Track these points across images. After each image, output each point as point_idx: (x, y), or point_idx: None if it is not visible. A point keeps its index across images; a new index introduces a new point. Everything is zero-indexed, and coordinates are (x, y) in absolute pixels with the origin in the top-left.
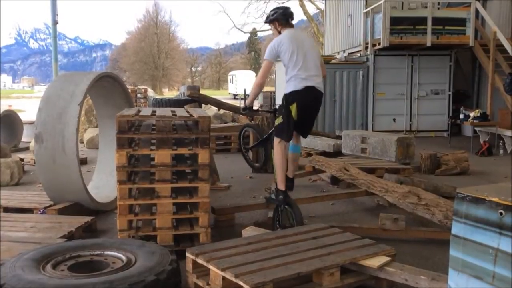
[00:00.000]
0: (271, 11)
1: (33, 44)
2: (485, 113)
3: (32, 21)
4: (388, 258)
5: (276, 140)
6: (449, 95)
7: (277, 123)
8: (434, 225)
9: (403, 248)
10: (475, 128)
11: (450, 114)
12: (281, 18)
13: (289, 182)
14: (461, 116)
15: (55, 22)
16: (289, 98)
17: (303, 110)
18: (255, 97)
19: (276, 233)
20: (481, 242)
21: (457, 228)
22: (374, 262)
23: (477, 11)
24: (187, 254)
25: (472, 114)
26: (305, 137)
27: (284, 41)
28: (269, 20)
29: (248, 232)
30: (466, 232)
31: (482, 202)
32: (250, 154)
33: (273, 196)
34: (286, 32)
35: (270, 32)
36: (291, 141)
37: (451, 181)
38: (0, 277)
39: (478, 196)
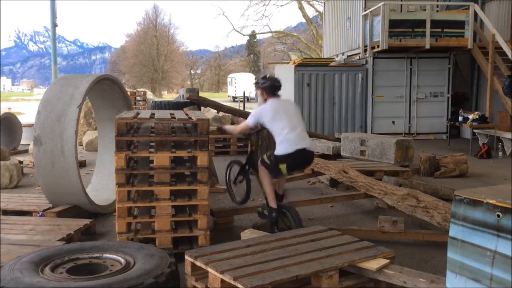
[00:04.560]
0: (261, 78)
1: (32, 47)
2: (484, 116)
3: (31, 24)
4: (387, 261)
5: (263, 170)
6: (448, 97)
7: (265, 160)
8: (433, 227)
9: (402, 250)
10: (474, 131)
11: (449, 117)
12: (268, 89)
13: (279, 197)
14: (460, 118)
15: (54, 25)
16: (280, 159)
17: (292, 168)
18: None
19: (275, 236)
20: (478, 244)
21: (454, 231)
22: (373, 264)
23: (475, 14)
24: (186, 257)
25: (471, 117)
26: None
27: (268, 110)
28: (258, 86)
29: (247, 234)
30: (464, 235)
31: (479, 205)
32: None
33: (265, 212)
34: (270, 101)
35: (269, 34)
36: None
37: (450, 183)
38: None
39: (475, 198)
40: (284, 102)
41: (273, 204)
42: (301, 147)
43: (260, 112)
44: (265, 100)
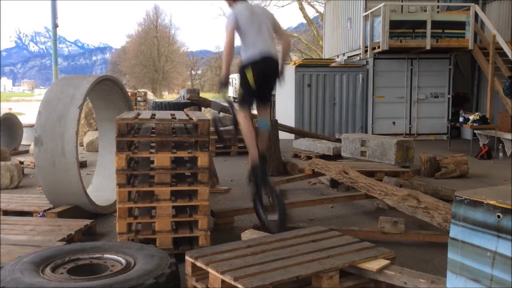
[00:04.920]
0: None
1: (33, 47)
2: (485, 116)
3: (32, 24)
4: (388, 261)
5: (241, 114)
6: (449, 98)
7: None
8: (434, 228)
9: (403, 251)
10: (475, 131)
11: (450, 117)
12: None
13: (262, 159)
14: (461, 119)
15: (55, 25)
16: (246, 65)
17: (260, 77)
18: (228, 67)
19: (275, 237)
20: (479, 245)
21: (455, 231)
22: (373, 265)
23: (476, 15)
24: (186, 257)
25: (471, 117)
26: (265, 102)
27: (241, 10)
28: None
29: (248, 235)
30: (464, 235)
31: (480, 205)
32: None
33: (250, 172)
34: (240, 5)
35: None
36: (259, 117)
37: (451, 184)
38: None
39: (476, 199)
40: (255, 7)
41: (254, 155)
42: (267, 55)
43: (234, 14)
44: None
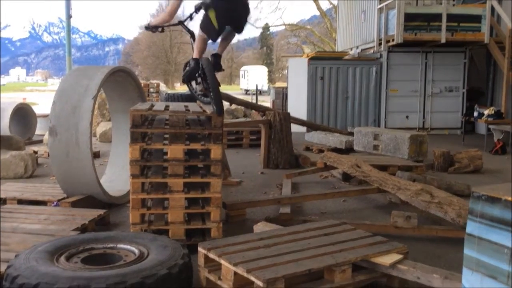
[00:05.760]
0: None
1: (46, 38)
2: (500, 111)
3: (46, 15)
4: (401, 256)
5: (200, 34)
6: (463, 92)
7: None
8: (447, 223)
9: (416, 246)
10: (489, 126)
11: (464, 112)
12: None
13: (217, 57)
14: (475, 114)
15: (69, 16)
16: (207, 6)
17: (223, 18)
18: (162, 22)
19: (288, 229)
20: (496, 241)
21: (472, 227)
22: (386, 259)
23: (492, 8)
24: (199, 249)
25: (486, 112)
26: (239, 32)
27: None
28: None
29: (260, 227)
30: (481, 231)
31: (497, 202)
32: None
33: (187, 68)
34: None
35: (282, 27)
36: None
37: (465, 179)
38: (15, 268)
39: (493, 195)
40: None
41: (195, 55)
42: None
43: None
44: None
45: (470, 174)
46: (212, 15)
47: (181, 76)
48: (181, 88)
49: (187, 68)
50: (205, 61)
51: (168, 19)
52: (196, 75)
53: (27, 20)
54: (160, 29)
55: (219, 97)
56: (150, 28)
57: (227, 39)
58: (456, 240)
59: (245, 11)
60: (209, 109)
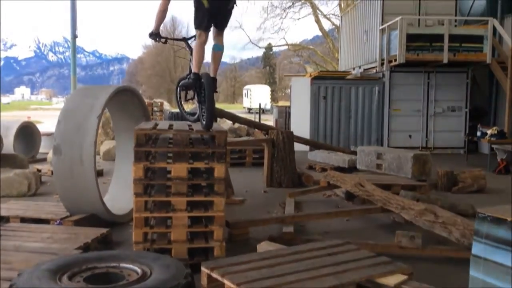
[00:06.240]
0: None
1: (52, 57)
2: (503, 131)
3: (51, 35)
4: (405, 277)
5: (196, 33)
6: (466, 112)
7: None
8: (451, 243)
9: (420, 266)
10: (492, 146)
11: (467, 131)
12: None
13: (214, 81)
14: (478, 133)
15: (74, 36)
16: None
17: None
18: (159, 23)
19: (291, 249)
20: (502, 263)
21: (477, 248)
22: (391, 280)
23: (494, 29)
24: (202, 268)
25: (489, 132)
26: (222, 29)
27: None
28: None
29: (263, 247)
30: (487, 253)
31: (503, 223)
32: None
33: (186, 80)
34: None
35: (285, 47)
36: (213, 40)
37: (468, 199)
38: (18, 287)
39: (499, 216)
40: None
41: (196, 69)
42: None
43: None
44: None
45: (474, 194)
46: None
47: (175, 90)
48: (185, 107)
49: (186, 80)
50: (206, 78)
51: (160, 16)
52: (193, 88)
53: (32, 40)
54: (163, 40)
55: (211, 115)
56: (153, 35)
57: (215, 58)
58: (461, 260)
59: None
60: (196, 126)
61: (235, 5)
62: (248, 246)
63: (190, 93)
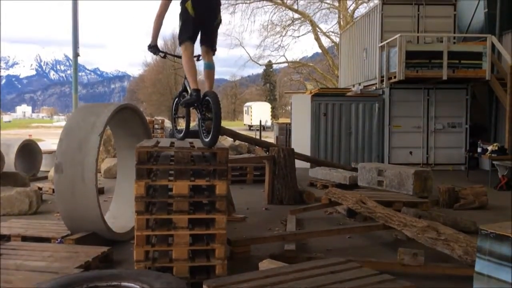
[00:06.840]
0: None
1: (53, 75)
2: (503, 147)
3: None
4: None
5: (182, 48)
6: (466, 128)
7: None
8: (454, 260)
9: (423, 284)
10: (493, 162)
11: (468, 148)
12: None
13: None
14: (479, 149)
15: (76, 55)
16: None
17: (198, 5)
18: (156, 32)
19: (293, 267)
20: (505, 279)
21: (480, 265)
22: None
23: (493, 45)
24: (204, 287)
25: (490, 148)
26: (209, 46)
27: None
28: None
29: (265, 265)
30: (490, 270)
31: (506, 239)
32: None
33: (188, 97)
34: None
35: (285, 64)
36: (203, 59)
37: (470, 215)
38: None
39: (502, 233)
40: None
41: (194, 85)
42: None
43: None
44: None
45: (476, 210)
46: (188, 4)
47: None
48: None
49: (188, 97)
50: (214, 97)
51: (157, 22)
52: (195, 104)
53: (33, 59)
54: (162, 54)
55: (218, 133)
56: (152, 48)
57: (209, 76)
58: (464, 278)
59: (217, 2)
60: (197, 143)
61: (220, 22)
62: (249, 264)
63: (182, 110)
